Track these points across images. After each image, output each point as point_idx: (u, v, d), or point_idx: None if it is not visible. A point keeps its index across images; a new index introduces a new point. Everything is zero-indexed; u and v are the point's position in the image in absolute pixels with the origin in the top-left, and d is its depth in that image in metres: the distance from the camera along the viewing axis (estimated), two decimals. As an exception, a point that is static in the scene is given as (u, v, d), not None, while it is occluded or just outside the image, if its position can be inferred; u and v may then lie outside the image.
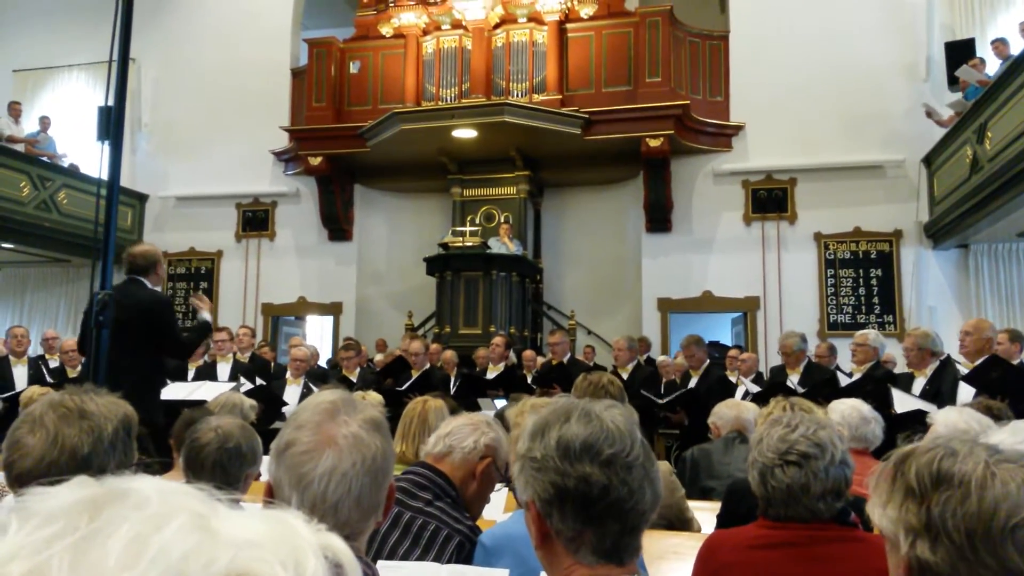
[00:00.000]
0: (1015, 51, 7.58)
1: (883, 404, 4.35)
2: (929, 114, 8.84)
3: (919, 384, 4.96)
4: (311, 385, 6.10)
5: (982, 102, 7.56)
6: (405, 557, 1.76)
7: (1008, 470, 0.96)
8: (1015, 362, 4.98)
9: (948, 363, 5.00)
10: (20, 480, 1.47)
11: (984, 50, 8.55)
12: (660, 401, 6.02)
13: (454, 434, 2.03)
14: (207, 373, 6.45)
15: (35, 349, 8.02)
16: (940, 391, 4.71)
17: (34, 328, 9.37)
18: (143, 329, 4.12)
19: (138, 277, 4.35)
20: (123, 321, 3.03)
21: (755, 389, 5.97)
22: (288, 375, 6.47)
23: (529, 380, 6.74)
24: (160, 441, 3.26)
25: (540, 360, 7.89)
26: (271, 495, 1.20)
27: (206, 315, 4.77)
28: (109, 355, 2.57)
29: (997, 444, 1.03)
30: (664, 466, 3.06)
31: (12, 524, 0.41)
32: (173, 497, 0.44)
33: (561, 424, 1.16)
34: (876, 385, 4.96)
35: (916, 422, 4.36)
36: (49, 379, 6.52)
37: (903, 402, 4.60)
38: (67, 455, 1.46)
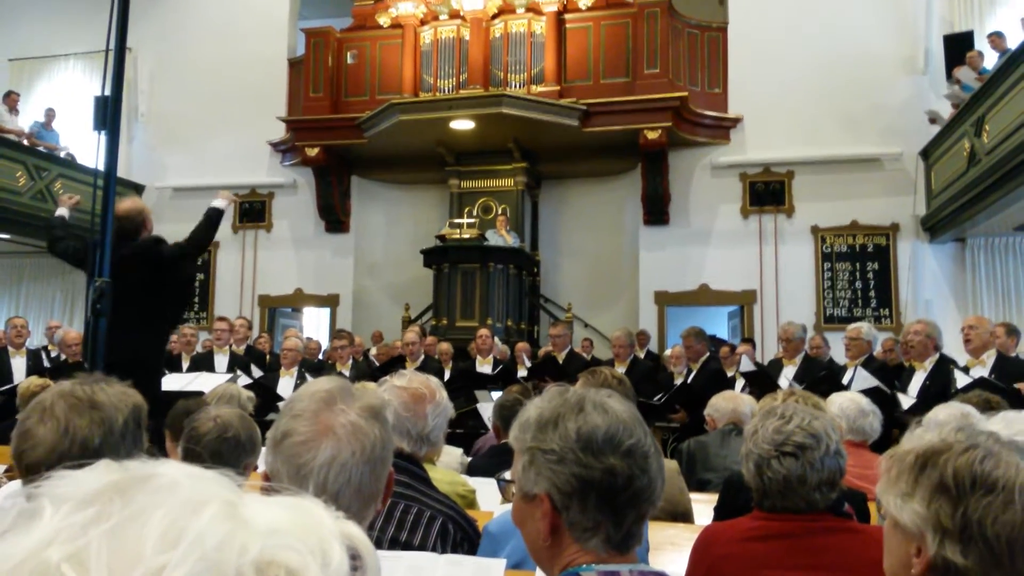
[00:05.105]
0: (1012, 44, 7.57)
1: (882, 401, 4.35)
2: (933, 120, 8.82)
3: (919, 378, 4.95)
4: (306, 375, 6.09)
5: (980, 95, 7.56)
6: (392, 543, 1.75)
7: None
8: (1012, 355, 5.00)
9: (946, 361, 4.98)
10: (30, 470, 1.47)
11: (983, 43, 8.54)
12: (658, 403, 5.87)
13: None
14: (204, 364, 6.44)
15: (32, 340, 7.98)
16: (944, 390, 4.71)
17: (31, 319, 9.34)
18: (145, 280, 3.86)
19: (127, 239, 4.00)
20: (126, 279, 2.92)
21: (751, 367, 5.96)
22: (281, 367, 6.47)
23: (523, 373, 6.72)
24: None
25: (540, 352, 7.89)
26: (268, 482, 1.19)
27: (220, 203, 4.36)
28: (111, 324, 2.54)
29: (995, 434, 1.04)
30: (671, 464, 3.06)
31: (46, 508, 0.41)
32: (202, 483, 0.45)
33: (575, 415, 1.14)
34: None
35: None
36: (47, 365, 6.48)
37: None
38: (78, 446, 1.45)
